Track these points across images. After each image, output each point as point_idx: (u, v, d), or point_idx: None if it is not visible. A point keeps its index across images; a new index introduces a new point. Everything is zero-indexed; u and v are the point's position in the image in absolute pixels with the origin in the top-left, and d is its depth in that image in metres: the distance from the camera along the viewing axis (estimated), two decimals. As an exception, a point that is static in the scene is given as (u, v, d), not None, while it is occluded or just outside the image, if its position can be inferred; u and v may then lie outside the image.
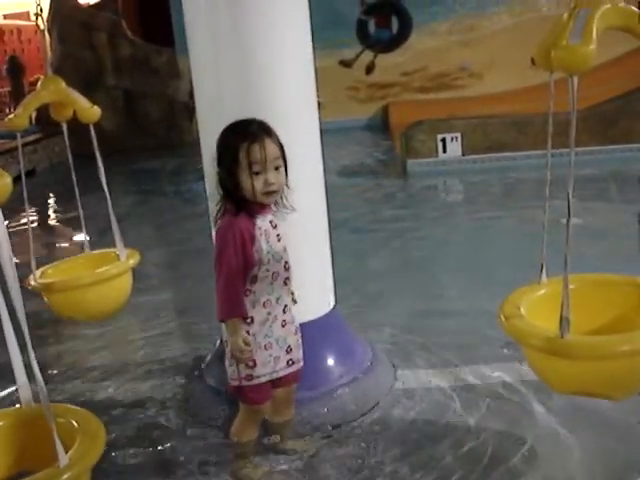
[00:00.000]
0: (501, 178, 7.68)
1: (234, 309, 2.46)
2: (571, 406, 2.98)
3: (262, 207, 2.49)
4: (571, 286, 2.42)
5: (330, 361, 3.21)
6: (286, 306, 2.60)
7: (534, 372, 2.55)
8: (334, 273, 3.36)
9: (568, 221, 2.21)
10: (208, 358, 3.44)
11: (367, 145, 10.89)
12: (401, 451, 2.84)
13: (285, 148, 2.51)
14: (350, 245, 5.71)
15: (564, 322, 2.22)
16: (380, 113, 12.49)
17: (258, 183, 2.40)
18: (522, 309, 2.46)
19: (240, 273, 2.44)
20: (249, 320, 2.50)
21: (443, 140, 8.22)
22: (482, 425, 2.99)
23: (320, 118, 3.22)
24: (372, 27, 12.65)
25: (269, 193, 2.44)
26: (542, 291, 2.60)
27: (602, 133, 8.02)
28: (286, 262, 2.56)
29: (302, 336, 3.05)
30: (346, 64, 12.57)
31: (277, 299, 2.56)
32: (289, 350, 2.63)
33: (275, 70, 2.92)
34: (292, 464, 2.82)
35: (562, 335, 2.22)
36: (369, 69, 12.65)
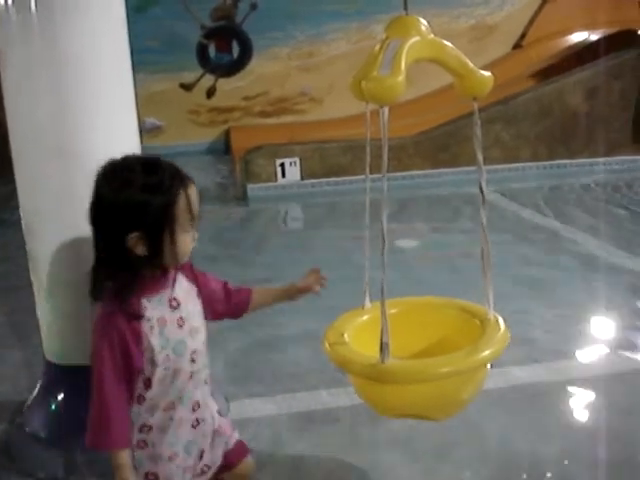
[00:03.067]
0: (340, 202, 7.81)
1: (104, 439, 1.89)
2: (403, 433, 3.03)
3: (157, 280, 1.91)
4: (394, 310, 2.45)
5: (159, 397, 3.10)
6: (196, 402, 2.02)
7: (360, 397, 2.56)
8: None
9: (383, 247, 2.18)
10: (28, 402, 3.24)
11: (208, 169, 10.79)
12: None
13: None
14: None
15: (384, 347, 2.21)
16: (222, 137, 12.43)
17: (188, 240, 1.92)
18: (346, 335, 2.46)
19: (120, 388, 1.86)
20: (146, 429, 1.95)
21: (282, 165, 8.27)
22: (316, 453, 2.98)
23: (142, 144, 3.10)
24: (212, 51, 12.59)
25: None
26: (365, 316, 2.61)
27: (434, 157, 8.34)
28: (193, 351, 1.97)
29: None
30: (186, 87, 12.44)
31: (181, 398, 1.97)
32: (202, 455, 2.08)
33: (92, 103, 2.80)
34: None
35: (382, 360, 2.22)
36: (210, 93, 12.56)
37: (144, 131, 11.92)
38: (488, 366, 2.43)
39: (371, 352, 2.28)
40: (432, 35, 2.31)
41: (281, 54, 12.59)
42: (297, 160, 8.28)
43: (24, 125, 2.88)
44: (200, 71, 12.49)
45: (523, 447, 2.96)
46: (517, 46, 12.14)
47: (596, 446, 2.93)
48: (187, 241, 1.89)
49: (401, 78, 2.08)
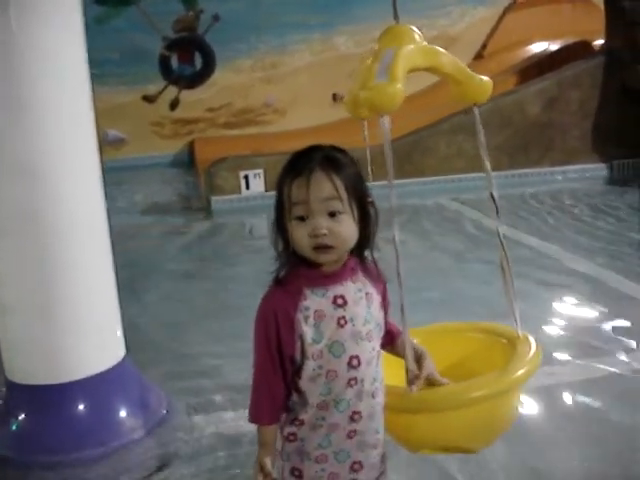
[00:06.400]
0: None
1: (254, 414, 1.88)
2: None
3: (328, 275, 1.82)
4: (416, 340, 2.18)
5: (122, 414, 3.08)
6: (358, 413, 1.87)
7: (391, 435, 2.18)
8: (124, 321, 3.24)
9: (397, 264, 1.96)
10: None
11: (173, 182, 10.75)
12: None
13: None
14: (154, 289, 5.57)
15: (410, 375, 2.01)
16: (186, 149, 12.39)
17: (302, 232, 1.75)
18: None
19: (272, 369, 1.82)
20: (298, 422, 1.87)
21: (246, 177, 8.25)
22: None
23: (101, 158, 3.06)
24: (175, 63, 12.57)
25: (319, 248, 1.76)
26: None
27: (399, 168, 8.36)
28: (354, 357, 1.82)
29: (92, 389, 2.89)
30: (149, 99, 12.39)
31: (336, 402, 1.84)
32: (355, 467, 1.91)
33: (47, 114, 2.77)
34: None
35: (411, 389, 2.01)
36: (173, 105, 12.53)
37: (107, 144, 11.83)
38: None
39: (400, 383, 2.06)
40: (425, 43, 2.19)
41: (244, 66, 12.60)
42: (261, 172, 8.27)
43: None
44: (163, 83, 12.45)
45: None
46: (478, 56, 12.28)
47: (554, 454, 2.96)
48: (290, 229, 1.77)
49: (400, 85, 1.99)
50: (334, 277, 1.82)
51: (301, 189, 1.74)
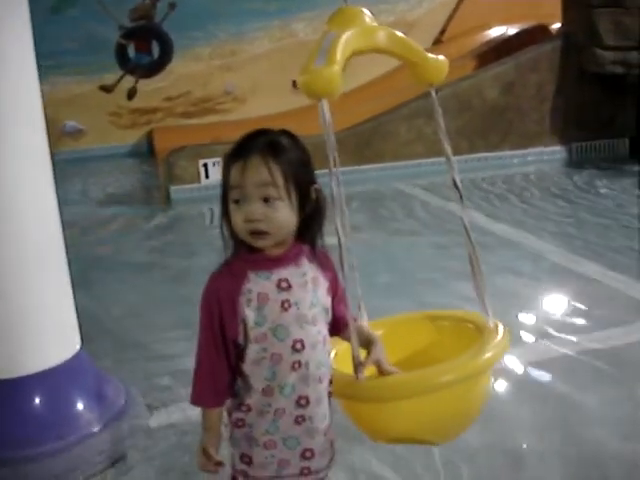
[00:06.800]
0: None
1: (196, 396, 1.86)
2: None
3: (272, 258, 1.82)
4: (380, 331, 2.17)
5: (79, 407, 3.03)
6: (304, 398, 1.85)
7: (354, 424, 2.16)
8: (81, 312, 3.19)
9: (340, 253, 1.91)
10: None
11: (131, 172, 10.63)
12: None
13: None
14: (111, 280, 5.50)
15: (357, 363, 1.94)
16: (145, 139, 12.26)
17: (238, 216, 1.76)
18: (333, 353, 2.10)
19: (215, 351, 1.81)
20: (244, 408, 1.85)
21: (205, 165, 8.17)
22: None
23: (52, 151, 3.01)
24: (132, 51, 12.40)
25: (254, 233, 1.76)
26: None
27: (358, 153, 8.37)
28: (298, 341, 1.81)
29: (48, 383, 2.84)
30: (106, 89, 12.22)
31: (281, 387, 1.83)
32: (307, 455, 1.89)
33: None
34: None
35: (357, 377, 1.94)
36: (131, 94, 12.37)
37: (65, 135, 11.66)
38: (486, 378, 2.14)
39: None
40: (376, 24, 2.10)
41: (203, 54, 12.49)
42: (220, 160, 8.18)
43: None
44: (120, 72, 12.29)
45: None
46: (437, 41, 12.30)
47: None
48: (235, 216, 1.77)
49: (337, 67, 1.89)
50: (278, 261, 1.82)
51: (237, 173, 1.75)
